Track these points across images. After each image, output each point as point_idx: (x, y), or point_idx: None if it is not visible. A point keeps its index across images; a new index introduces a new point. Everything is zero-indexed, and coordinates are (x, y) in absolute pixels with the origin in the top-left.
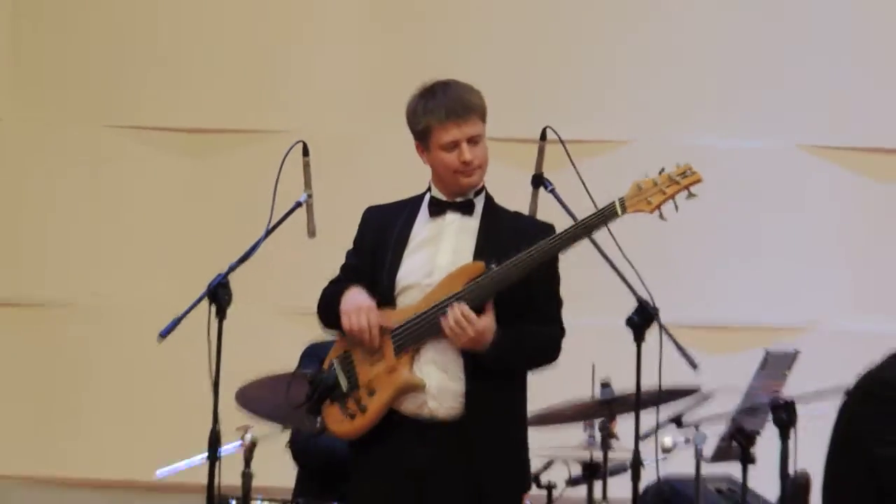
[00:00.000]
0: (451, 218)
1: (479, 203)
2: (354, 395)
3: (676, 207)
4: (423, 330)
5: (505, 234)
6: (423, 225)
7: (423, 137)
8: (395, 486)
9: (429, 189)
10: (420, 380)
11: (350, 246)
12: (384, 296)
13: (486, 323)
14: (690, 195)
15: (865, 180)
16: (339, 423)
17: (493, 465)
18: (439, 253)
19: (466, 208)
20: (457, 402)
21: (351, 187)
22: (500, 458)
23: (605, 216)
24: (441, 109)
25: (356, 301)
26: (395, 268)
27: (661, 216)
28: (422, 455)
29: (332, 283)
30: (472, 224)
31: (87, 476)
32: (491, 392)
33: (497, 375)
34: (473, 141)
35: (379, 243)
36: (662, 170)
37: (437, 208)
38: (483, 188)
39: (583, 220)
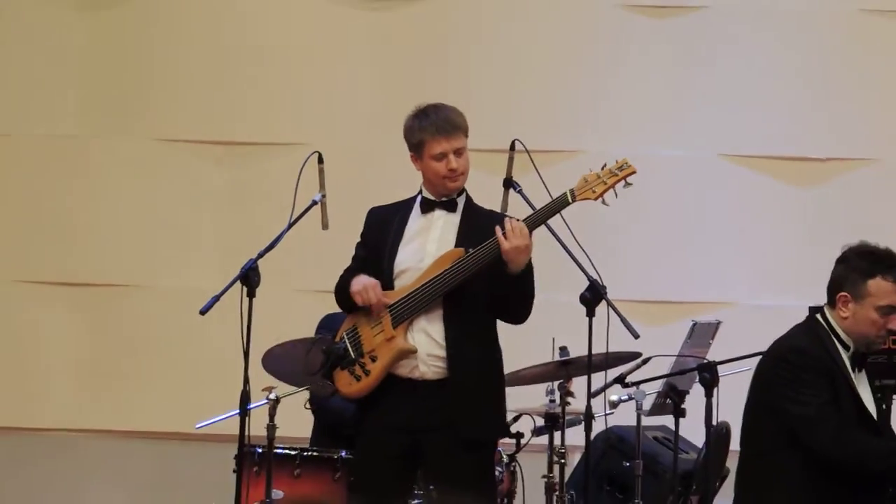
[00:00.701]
0: (439, 214)
1: (461, 202)
2: (360, 361)
3: (616, 195)
4: (415, 304)
5: (481, 226)
6: (415, 220)
7: (417, 149)
8: (393, 437)
9: (420, 191)
10: (412, 346)
11: (357, 238)
12: (385, 280)
13: (527, 244)
14: (627, 184)
15: (777, 183)
16: (348, 385)
17: (473, 416)
18: (428, 242)
19: (451, 206)
20: (442, 365)
21: (357, 189)
22: (479, 410)
23: (559, 205)
24: (433, 127)
25: (363, 281)
26: (393, 255)
27: (603, 202)
28: (414, 410)
29: (345, 271)
30: (455, 219)
31: (139, 428)
32: (469, 355)
33: (473, 341)
34: (458, 153)
35: (380, 237)
36: (604, 165)
37: (427, 206)
38: (464, 190)
39: (540, 208)
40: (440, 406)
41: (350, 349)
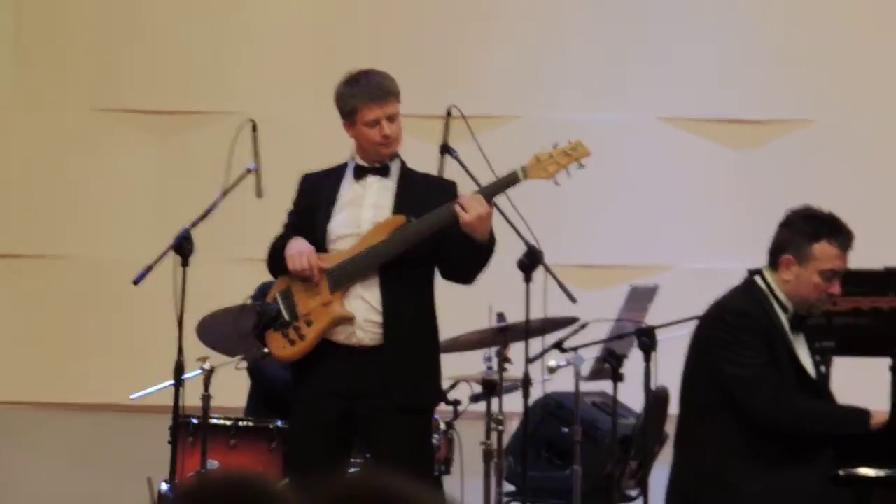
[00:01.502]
0: (372, 180)
1: (395, 167)
2: (294, 324)
3: (569, 175)
4: (355, 271)
5: (418, 191)
6: (348, 186)
7: (349, 116)
8: (329, 403)
9: (352, 157)
10: (350, 313)
11: (290, 206)
12: (318, 245)
13: (488, 214)
14: (580, 166)
15: (714, 145)
16: (282, 348)
17: (408, 383)
18: (363, 208)
19: (384, 172)
20: (378, 331)
21: (291, 157)
22: (415, 377)
23: (509, 182)
24: (365, 93)
25: (298, 246)
26: (326, 222)
27: (555, 182)
28: (350, 376)
29: (277, 238)
30: (389, 184)
31: (73, 400)
32: (406, 321)
33: (409, 308)
34: (391, 118)
35: (313, 203)
36: (556, 144)
37: (360, 173)
38: (397, 155)
39: (491, 184)
40: (376, 372)
41: (283, 310)
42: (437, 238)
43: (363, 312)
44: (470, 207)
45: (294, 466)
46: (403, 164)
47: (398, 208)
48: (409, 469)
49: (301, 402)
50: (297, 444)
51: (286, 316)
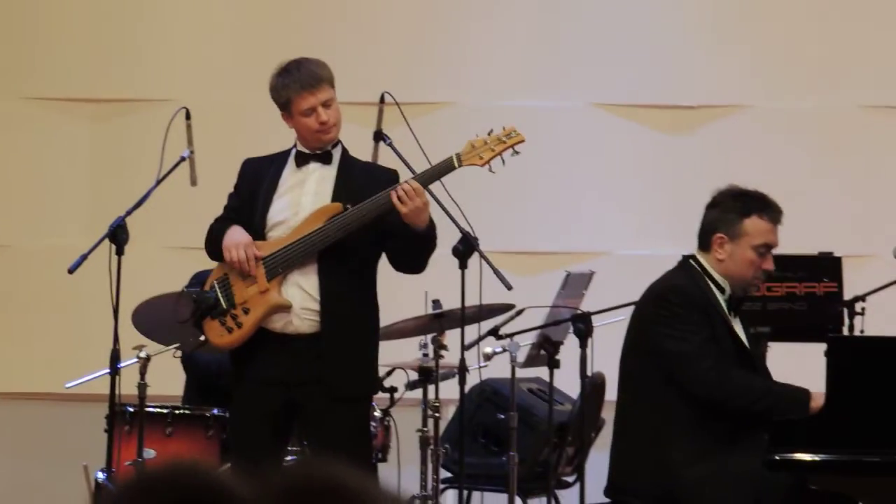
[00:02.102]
0: (314, 167)
1: (337, 154)
2: (231, 312)
3: (503, 162)
4: (291, 258)
5: (358, 179)
6: (290, 173)
7: (285, 107)
8: (267, 392)
9: (294, 144)
10: (287, 301)
11: (229, 190)
12: (257, 231)
13: (426, 203)
14: (515, 152)
15: (648, 131)
16: (220, 336)
17: (346, 371)
18: (303, 195)
19: (326, 159)
20: (316, 318)
21: (225, 145)
22: (353, 365)
23: (442, 169)
24: (297, 83)
25: (235, 237)
26: (266, 208)
27: (490, 169)
28: (288, 365)
29: (216, 221)
30: (330, 172)
31: (7, 389)
32: (344, 309)
33: (348, 296)
34: (327, 104)
35: (254, 188)
36: (491, 131)
37: (302, 159)
38: (339, 142)
39: (425, 171)
40: (314, 360)
41: (221, 298)
42: (375, 226)
43: (300, 300)
44: (408, 200)
45: (235, 455)
46: (345, 151)
47: (337, 196)
48: (348, 457)
49: (240, 391)
50: (236, 431)
51: (224, 304)
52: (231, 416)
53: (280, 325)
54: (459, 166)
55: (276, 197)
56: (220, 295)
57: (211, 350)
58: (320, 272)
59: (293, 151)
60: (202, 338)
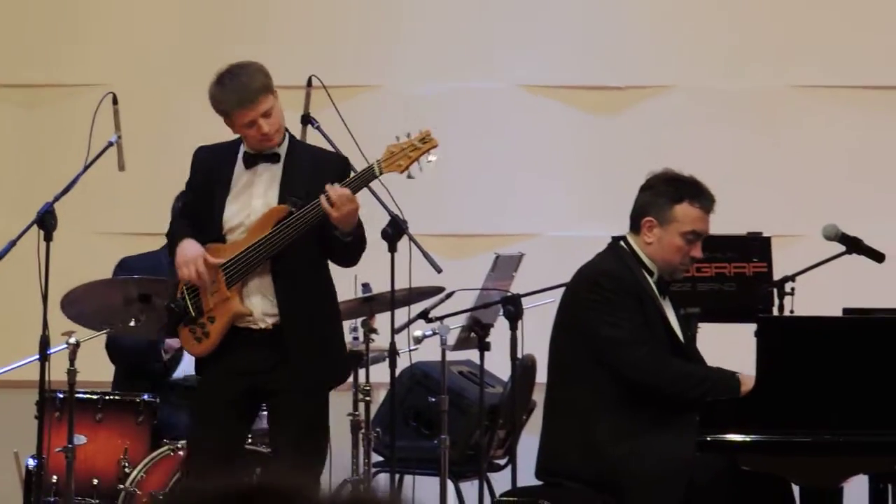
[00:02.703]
0: (262, 168)
1: (283, 151)
2: (200, 321)
3: (421, 169)
4: (245, 266)
5: (306, 170)
6: (240, 173)
7: (225, 119)
8: (230, 378)
9: (241, 141)
10: (247, 309)
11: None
12: (216, 233)
13: (356, 209)
14: (428, 161)
15: (576, 112)
16: (192, 345)
17: (308, 357)
18: (253, 198)
19: (273, 158)
20: (276, 321)
21: (153, 130)
22: (314, 352)
23: (366, 178)
24: (233, 100)
25: (186, 254)
26: (220, 211)
27: (409, 176)
28: (251, 354)
29: (173, 222)
30: (277, 171)
31: None
32: (302, 307)
33: (305, 293)
34: (267, 114)
35: (208, 182)
36: (409, 134)
37: (250, 161)
38: (286, 133)
39: (349, 180)
40: (277, 351)
41: (190, 307)
42: (324, 224)
43: (261, 306)
44: (339, 205)
45: (196, 448)
46: (292, 140)
47: (282, 198)
48: (308, 445)
49: (204, 382)
50: (201, 419)
51: (192, 312)
52: (194, 407)
53: (243, 323)
54: (381, 174)
55: (230, 199)
56: (188, 303)
57: (133, 333)
58: (274, 276)
59: (242, 148)
60: (132, 323)
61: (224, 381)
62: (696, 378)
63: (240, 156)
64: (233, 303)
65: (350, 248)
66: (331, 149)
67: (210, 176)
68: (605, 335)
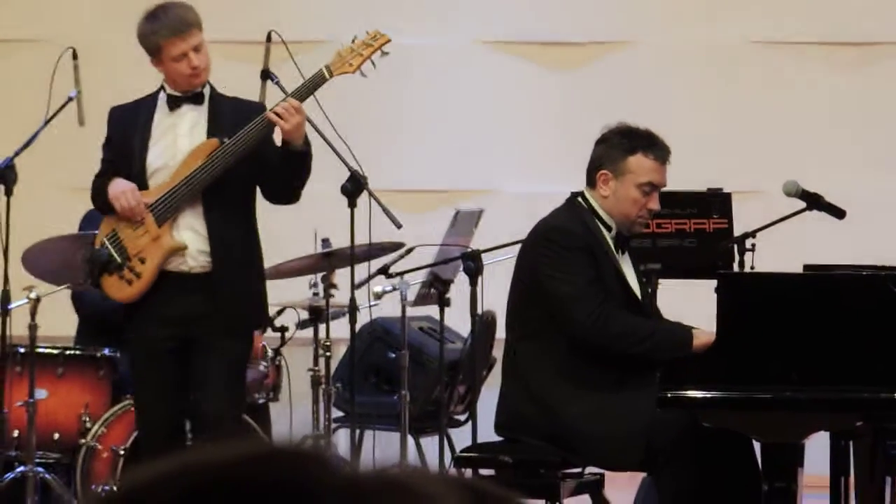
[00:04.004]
0: (186, 109)
1: (207, 93)
2: (128, 265)
3: (374, 65)
4: (177, 201)
5: (229, 115)
6: (162, 117)
7: (155, 53)
8: (165, 330)
9: (162, 87)
10: (181, 243)
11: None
12: (138, 180)
13: (304, 118)
14: (384, 54)
15: (535, 67)
16: (120, 290)
17: (239, 304)
18: (179, 137)
19: (197, 99)
20: (208, 260)
21: (112, 84)
22: (245, 299)
23: (315, 82)
24: (166, 29)
25: (120, 187)
26: (143, 155)
27: (362, 74)
28: (182, 302)
29: (97, 177)
30: (202, 111)
31: None
32: (231, 246)
33: (234, 229)
34: (197, 49)
35: (126, 136)
36: (355, 37)
37: (174, 103)
38: (207, 81)
39: (299, 87)
40: (208, 297)
41: (114, 254)
42: (253, 156)
43: (194, 242)
44: (289, 116)
45: (136, 396)
46: (213, 89)
47: (212, 132)
48: (230, 390)
49: (138, 330)
50: (139, 371)
51: (118, 258)
52: (130, 352)
53: (174, 265)
54: (331, 77)
55: (152, 143)
56: (111, 251)
57: (92, 289)
58: (205, 211)
59: (162, 95)
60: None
61: (159, 330)
62: (641, 334)
63: (161, 101)
64: (165, 239)
65: (299, 163)
66: None
67: (128, 128)
68: (552, 291)
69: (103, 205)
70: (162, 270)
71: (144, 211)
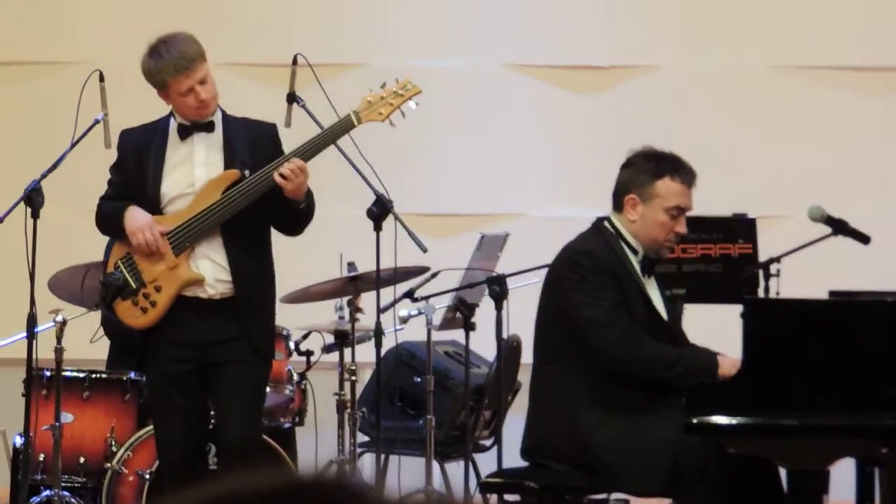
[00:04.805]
0: (198, 138)
1: (218, 120)
2: (143, 291)
3: (403, 115)
4: (196, 231)
5: (242, 139)
6: (175, 146)
7: (162, 89)
8: (182, 352)
9: (172, 114)
10: (199, 274)
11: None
12: (152, 207)
13: (307, 178)
14: (416, 105)
15: (561, 91)
16: (135, 317)
17: (258, 331)
18: (195, 167)
19: (209, 127)
20: (227, 287)
21: (139, 106)
22: (263, 326)
23: (343, 128)
24: (170, 67)
25: (138, 221)
26: (157, 183)
27: (391, 123)
28: (200, 326)
29: (103, 199)
30: (216, 139)
31: None
32: (252, 275)
33: (253, 259)
34: (203, 82)
35: (139, 162)
36: (384, 84)
37: (185, 132)
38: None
39: (324, 131)
40: (229, 321)
41: (129, 279)
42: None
43: (212, 272)
44: (293, 178)
45: (156, 422)
46: (224, 113)
47: (229, 163)
48: (251, 415)
49: (156, 355)
50: (158, 396)
51: (133, 284)
52: (149, 379)
53: (192, 292)
54: (359, 124)
55: (167, 171)
56: (126, 275)
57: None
58: (226, 242)
59: (173, 123)
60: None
61: (175, 354)
62: (668, 360)
63: (172, 129)
64: (182, 269)
65: (301, 216)
66: (318, 128)
67: (141, 154)
68: (580, 315)
69: (111, 228)
70: (182, 297)
71: (164, 244)
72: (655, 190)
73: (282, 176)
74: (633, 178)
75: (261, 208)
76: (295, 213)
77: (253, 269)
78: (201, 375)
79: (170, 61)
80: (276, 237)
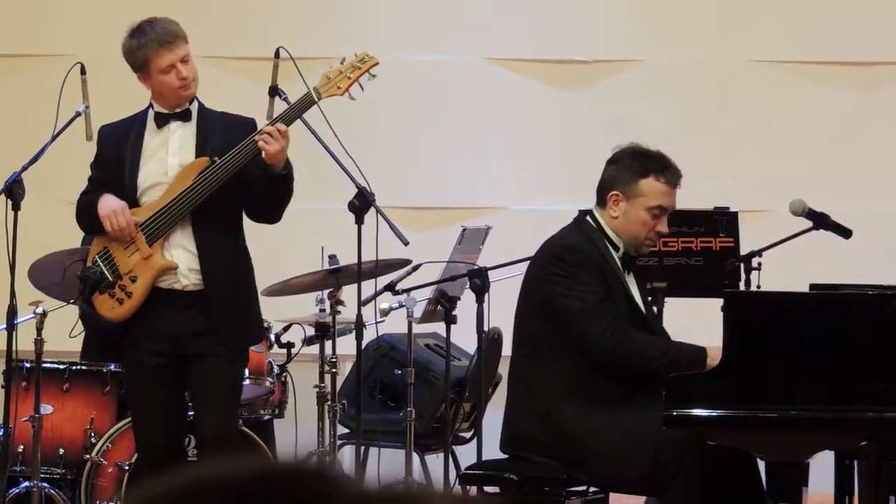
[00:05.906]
0: (174, 126)
1: (195, 110)
2: (119, 283)
3: (362, 87)
4: (168, 220)
5: (217, 130)
6: (151, 135)
7: (143, 68)
8: (155, 345)
9: (150, 105)
10: (173, 262)
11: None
12: (129, 198)
13: (288, 143)
14: (372, 76)
15: (543, 85)
16: (111, 309)
17: (227, 324)
18: (169, 155)
19: (185, 116)
20: (199, 278)
21: (119, 99)
22: (237, 317)
23: (304, 104)
24: (154, 42)
25: (110, 205)
26: (134, 174)
27: (350, 97)
28: (175, 319)
29: (83, 194)
30: (191, 128)
31: None
32: (222, 263)
33: (224, 249)
34: (185, 60)
35: (117, 155)
36: (343, 59)
37: (162, 120)
38: (195, 97)
39: (285, 110)
40: (201, 314)
41: (106, 272)
42: (242, 176)
43: (185, 260)
44: (273, 141)
45: (133, 415)
46: (201, 104)
47: (201, 150)
48: (227, 407)
49: (131, 346)
50: (134, 389)
51: (110, 277)
52: (127, 371)
53: (167, 283)
54: (319, 100)
55: (143, 161)
56: (104, 268)
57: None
58: (195, 230)
59: (150, 112)
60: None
61: (151, 347)
62: (656, 352)
63: (149, 118)
64: (155, 258)
65: (281, 186)
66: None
67: (119, 148)
68: (566, 309)
69: (89, 221)
70: (154, 288)
71: (135, 230)
72: (639, 188)
73: (264, 139)
74: (618, 175)
75: (233, 198)
76: (274, 185)
77: (223, 260)
78: (178, 368)
79: (153, 37)
80: (258, 229)
